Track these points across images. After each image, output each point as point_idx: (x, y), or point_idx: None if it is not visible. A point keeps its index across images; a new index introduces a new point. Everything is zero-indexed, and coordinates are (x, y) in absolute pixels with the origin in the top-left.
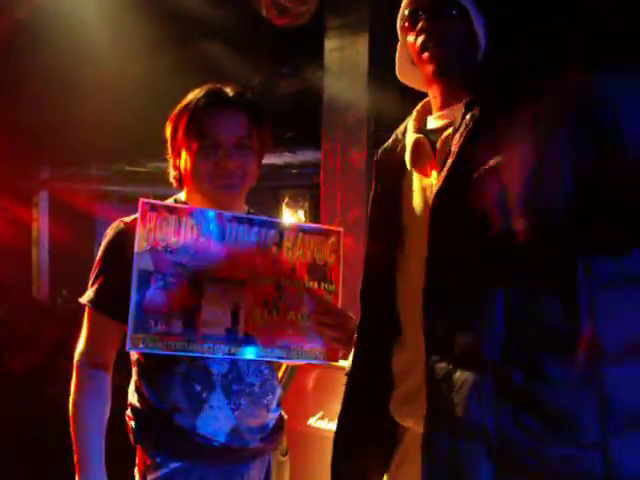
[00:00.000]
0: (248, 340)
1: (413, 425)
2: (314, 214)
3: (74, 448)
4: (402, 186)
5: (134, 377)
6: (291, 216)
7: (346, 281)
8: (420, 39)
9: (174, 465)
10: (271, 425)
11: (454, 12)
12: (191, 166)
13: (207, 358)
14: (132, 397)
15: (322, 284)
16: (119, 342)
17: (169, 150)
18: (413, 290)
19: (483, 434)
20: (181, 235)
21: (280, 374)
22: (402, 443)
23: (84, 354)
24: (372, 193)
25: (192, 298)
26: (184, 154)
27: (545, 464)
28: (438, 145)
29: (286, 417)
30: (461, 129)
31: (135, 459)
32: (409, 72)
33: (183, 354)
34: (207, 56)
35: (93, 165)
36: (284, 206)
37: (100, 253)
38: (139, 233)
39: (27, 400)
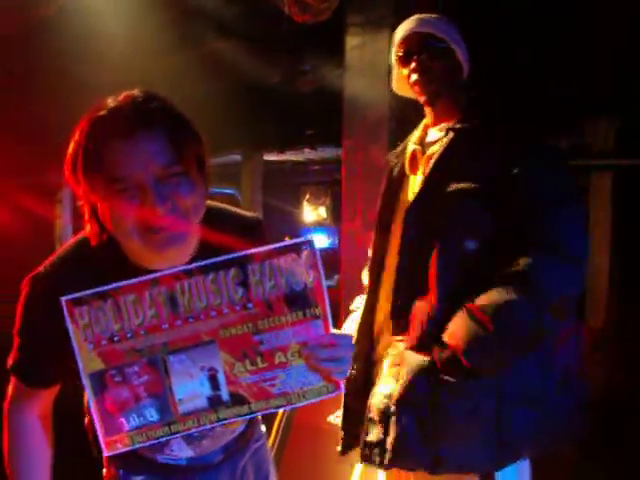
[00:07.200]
0: (236, 400)
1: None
2: (335, 210)
3: None
4: (403, 185)
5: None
6: (311, 212)
7: None
8: (413, 77)
9: (137, 479)
10: (235, 437)
11: (441, 47)
12: (110, 220)
13: None
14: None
15: (306, 311)
16: (55, 391)
17: (78, 199)
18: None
19: None
20: (124, 318)
21: None
22: None
23: (15, 405)
24: (382, 190)
25: (159, 379)
26: (98, 205)
27: None
28: (424, 159)
29: (287, 413)
30: (436, 153)
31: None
32: (405, 87)
33: (169, 438)
34: (226, 54)
35: None
36: (305, 202)
37: (17, 313)
38: (74, 336)
39: None
